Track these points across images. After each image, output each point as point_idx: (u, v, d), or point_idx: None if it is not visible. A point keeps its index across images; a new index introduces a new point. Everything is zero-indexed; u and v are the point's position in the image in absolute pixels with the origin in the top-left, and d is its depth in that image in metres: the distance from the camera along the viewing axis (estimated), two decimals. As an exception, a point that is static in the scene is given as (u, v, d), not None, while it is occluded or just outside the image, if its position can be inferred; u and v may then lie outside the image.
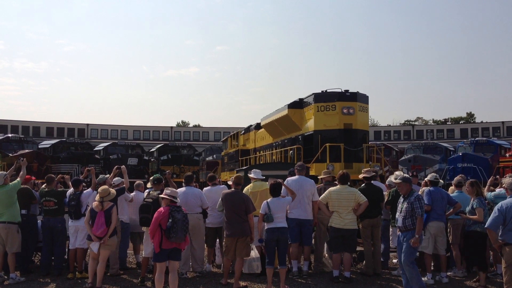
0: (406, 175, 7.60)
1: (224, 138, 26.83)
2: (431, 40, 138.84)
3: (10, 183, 8.79)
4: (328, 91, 14.28)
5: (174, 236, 6.76)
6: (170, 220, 6.80)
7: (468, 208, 8.28)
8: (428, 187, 8.78)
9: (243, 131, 22.87)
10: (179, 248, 7.04)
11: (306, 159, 13.96)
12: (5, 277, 8.64)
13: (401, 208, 7.27)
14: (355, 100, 14.24)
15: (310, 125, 14.56)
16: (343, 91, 14.20)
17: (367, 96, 14.79)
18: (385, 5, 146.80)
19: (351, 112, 14.10)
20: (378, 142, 26.37)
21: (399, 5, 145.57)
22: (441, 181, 9.29)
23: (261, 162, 19.20)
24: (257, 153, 20.16)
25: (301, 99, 15.45)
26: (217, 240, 9.55)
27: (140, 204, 8.60)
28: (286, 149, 15.23)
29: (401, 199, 7.39)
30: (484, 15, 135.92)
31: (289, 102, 15.94)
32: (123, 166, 9.58)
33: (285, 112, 15.39)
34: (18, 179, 9.03)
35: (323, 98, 14.24)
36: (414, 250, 7.23)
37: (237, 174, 9.07)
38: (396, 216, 7.42)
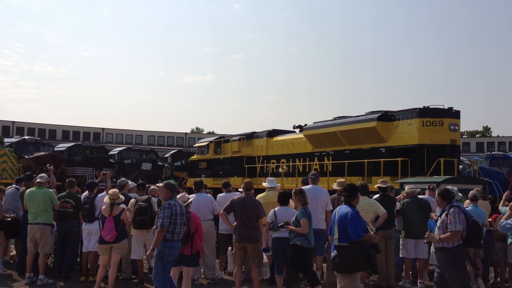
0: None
1: (205, 143, 25.46)
2: (447, 52, 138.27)
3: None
4: (431, 107, 14.78)
5: None
6: None
7: (292, 219, 7.50)
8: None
9: (238, 138, 22.27)
10: (186, 254, 7.14)
11: (413, 171, 14.10)
12: (34, 278, 8.70)
13: None
14: (458, 117, 14.90)
15: (407, 138, 14.90)
16: (447, 108, 14.72)
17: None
18: (398, 17, 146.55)
19: (456, 129, 14.67)
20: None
21: (413, 16, 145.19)
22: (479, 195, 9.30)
23: (280, 171, 18.95)
24: (272, 161, 19.97)
25: (386, 112, 15.77)
26: (230, 247, 9.51)
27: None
28: (371, 161, 15.05)
29: None
30: (501, 27, 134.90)
31: (369, 113, 16.15)
32: None
33: (373, 124, 15.56)
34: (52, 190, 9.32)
35: (429, 113, 14.65)
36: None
37: (247, 180, 8.88)
38: None
